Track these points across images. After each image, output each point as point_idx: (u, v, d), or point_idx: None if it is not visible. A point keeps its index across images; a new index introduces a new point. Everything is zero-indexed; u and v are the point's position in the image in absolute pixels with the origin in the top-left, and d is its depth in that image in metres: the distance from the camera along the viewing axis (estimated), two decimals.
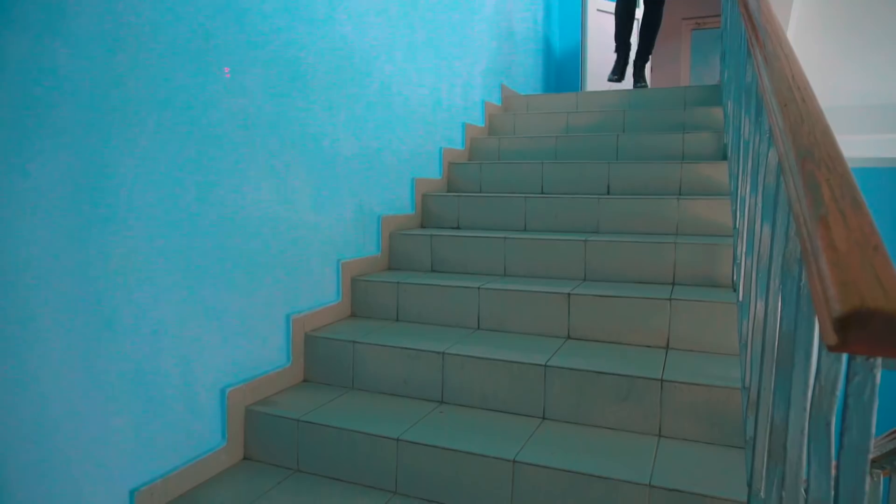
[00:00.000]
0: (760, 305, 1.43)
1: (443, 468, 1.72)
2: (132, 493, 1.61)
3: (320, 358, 2.26)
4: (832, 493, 0.77)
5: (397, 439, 1.78)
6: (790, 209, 1.07)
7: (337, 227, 2.50)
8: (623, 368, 1.87)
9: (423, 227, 3.16)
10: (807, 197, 0.85)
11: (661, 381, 1.79)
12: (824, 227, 0.76)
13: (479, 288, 2.37)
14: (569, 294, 2.23)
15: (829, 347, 0.67)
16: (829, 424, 0.80)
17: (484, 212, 3.03)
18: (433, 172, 3.34)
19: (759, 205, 1.46)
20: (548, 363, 1.93)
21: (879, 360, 0.67)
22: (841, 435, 0.69)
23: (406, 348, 2.12)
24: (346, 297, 2.56)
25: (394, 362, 2.14)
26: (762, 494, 1.30)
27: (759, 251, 1.50)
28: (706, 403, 1.75)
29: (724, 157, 2.94)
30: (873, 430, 0.68)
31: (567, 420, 1.90)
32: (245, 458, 2.00)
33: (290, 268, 2.21)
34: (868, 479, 0.68)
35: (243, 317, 2.00)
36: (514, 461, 1.64)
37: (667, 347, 2.10)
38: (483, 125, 4.02)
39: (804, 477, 0.92)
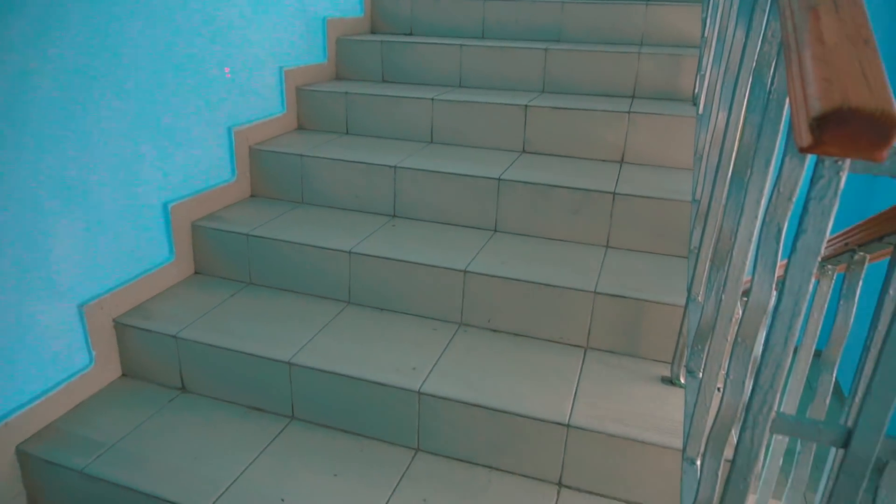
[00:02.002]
0: (722, 116, 1.39)
1: (395, 279, 1.75)
2: (80, 307, 1.59)
3: (268, 172, 2.17)
4: (774, 295, 0.78)
5: (350, 252, 1.77)
6: (771, 6, 0.98)
7: (278, 31, 2.26)
8: (577, 181, 1.86)
9: (373, 32, 2.91)
10: None
11: (614, 194, 1.79)
12: (814, 17, 0.68)
13: (433, 99, 2.24)
14: (526, 106, 2.13)
15: (800, 149, 0.63)
16: (780, 230, 0.79)
17: (440, 16, 2.78)
18: None
19: (735, 6, 1.36)
20: (501, 176, 1.89)
21: (848, 163, 0.65)
22: (795, 237, 0.68)
23: (357, 162, 2.04)
24: (292, 108, 2.41)
25: (345, 176, 2.07)
26: (700, 299, 1.37)
27: (727, 59, 1.42)
28: (656, 216, 1.78)
29: None
30: (828, 233, 0.67)
31: (519, 232, 1.92)
32: (196, 273, 1.99)
33: (231, 75, 2.02)
34: (813, 277, 0.69)
35: (183, 129, 1.86)
36: (465, 271, 1.67)
37: (622, 161, 2.09)
38: None
39: (747, 281, 0.94)
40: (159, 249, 1.85)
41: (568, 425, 1.33)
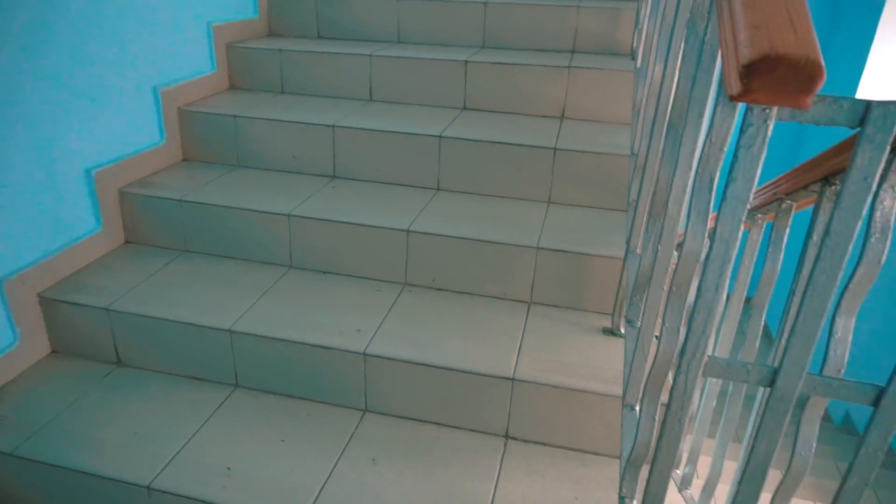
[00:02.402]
0: (658, 69, 1.40)
1: (337, 241, 1.72)
2: (1, 282, 1.50)
3: (199, 135, 2.07)
4: (706, 243, 0.80)
5: (289, 215, 1.73)
6: None
7: None
8: (518, 138, 1.85)
9: None
10: None
11: (555, 149, 1.80)
12: None
13: (370, 55, 2.17)
14: (466, 62, 2.10)
15: (730, 97, 0.64)
16: (713, 180, 0.80)
17: None
18: None
19: None
20: (443, 134, 1.87)
21: (775, 111, 0.65)
22: (725, 186, 0.69)
23: (294, 122, 1.97)
24: (223, 67, 2.29)
25: (281, 137, 2.00)
26: (638, 250, 1.40)
27: (664, 11, 1.42)
28: (596, 171, 1.80)
29: None
30: (756, 181, 0.68)
31: (461, 190, 1.91)
32: (128, 242, 1.90)
33: (151, 30, 1.89)
34: (744, 227, 0.70)
35: (104, 90, 1.74)
36: (408, 231, 1.65)
37: (562, 117, 2.09)
38: None
39: (681, 231, 0.96)
40: (85, 219, 1.75)
41: (513, 379, 1.36)
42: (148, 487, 1.26)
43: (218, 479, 1.27)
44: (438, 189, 1.92)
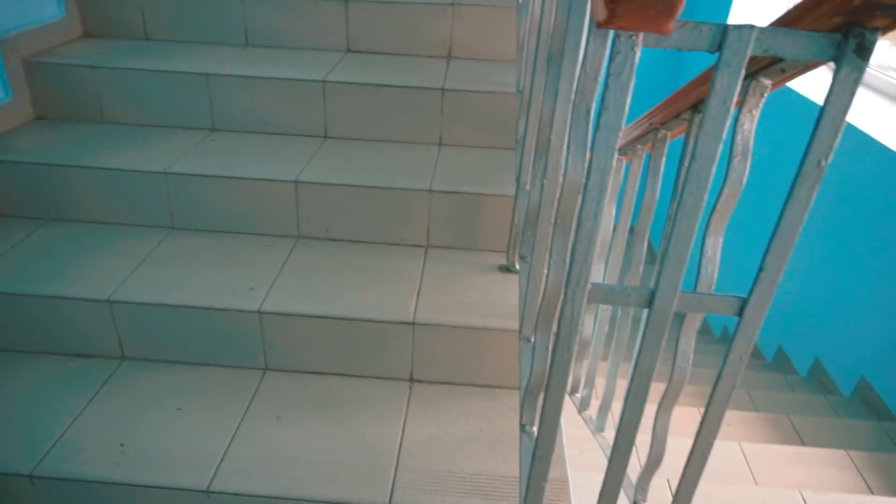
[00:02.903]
0: (538, 2, 1.39)
1: (221, 198, 1.62)
2: None
3: (54, 89, 1.86)
4: (585, 173, 0.82)
5: (165, 173, 1.61)
6: None
7: None
8: (404, 80, 1.81)
9: None
10: None
11: (443, 90, 1.77)
12: None
13: None
14: (347, 1, 2.00)
15: (597, 24, 0.64)
16: (589, 111, 0.81)
17: None
18: None
19: None
20: (327, 78, 1.79)
21: (641, 37, 0.66)
22: (599, 115, 0.70)
23: (165, 71, 1.81)
24: (74, 10, 2.05)
25: (151, 88, 1.83)
26: (528, 187, 1.42)
27: None
28: (485, 110, 1.79)
29: None
30: (627, 109, 0.70)
31: (350, 137, 1.85)
32: None
33: None
34: (626, 159, 0.72)
35: None
36: (297, 182, 1.59)
37: (449, 56, 2.05)
38: None
39: (563, 165, 0.98)
40: None
41: (413, 323, 1.36)
42: (30, 476, 1.17)
43: (110, 457, 1.21)
44: (326, 137, 1.85)
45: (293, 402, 1.35)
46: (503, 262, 1.58)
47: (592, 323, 1.63)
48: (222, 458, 1.21)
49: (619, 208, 1.48)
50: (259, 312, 1.37)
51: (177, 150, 1.71)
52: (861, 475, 1.91)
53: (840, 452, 1.99)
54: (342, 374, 1.43)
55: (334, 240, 1.64)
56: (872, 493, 1.84)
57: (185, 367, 1.44)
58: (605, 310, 1.59)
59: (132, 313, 1.40)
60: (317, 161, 1.69)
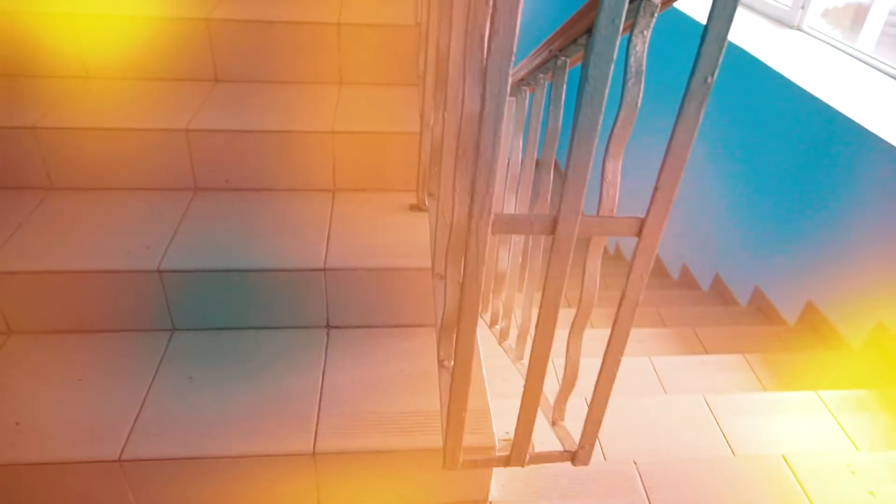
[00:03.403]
0: None
1: (105, 152, 1.49)
2: None
3: None
4: (481, 102, 0.80)
5: (34, 127, 1.45)
6: None
7: None
8: (296, 14, 1.70)
9: None
10: None
11: (339, 24, 1.68)
12: None
13: None
14: None
15: None
16: (482, 36, 0.79)
17: None
18: None
19: None
20: (211, 16, 1.65)
21: None
22: (488, 40, 0.67)
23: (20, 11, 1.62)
24: None
25: (7, 27, 1.64)
26: (431, 122, 1.39)
27: None
28: (385, 45, 1.72)
29: None
30: (517, 31, 0.68)
31: (243, 79, 1.74)
32: None
33: None
34: (514, 98, 0.70)
35: None
36: (188, 130, 1.48)
37: None
38: None
39: (461, 95, 0.95)
40: None
41: (325, 269, 1.33)
42: None
43: (4, 438, 1.13)
44: (217, 81, 1.73)
45: (205, 360, 1.31)
46: (414, 201, 1.56)
47: (507, 255, 1.65)
48: (133, 425, 1.16)
49: (525, 140, 1.48)
50: (159, 272, 1.30)
51: (47, 100, 1.55)
52: (756, 375, 2.09)
53: (738, 357, 2.16)
54: (255, 328, 1.39)
55: (235, 189, 1.56)
56: (766, 389, 2.03)
57: (83, 336, 1.35)
58: (519, 241, 1.61)
59: (12, 284, 1.29)
60: (209, 106, 1.58)
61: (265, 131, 1.50)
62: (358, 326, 1.41)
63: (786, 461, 1.44)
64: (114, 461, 1.11)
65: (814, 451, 1.45)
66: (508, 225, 0.81)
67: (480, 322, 1.77)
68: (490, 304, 1.73)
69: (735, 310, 2.79)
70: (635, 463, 1.41)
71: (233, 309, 1.36)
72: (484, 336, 1.84)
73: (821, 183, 2.37)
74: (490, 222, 0.79)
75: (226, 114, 1.55)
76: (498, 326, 1.72)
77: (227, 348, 1.34)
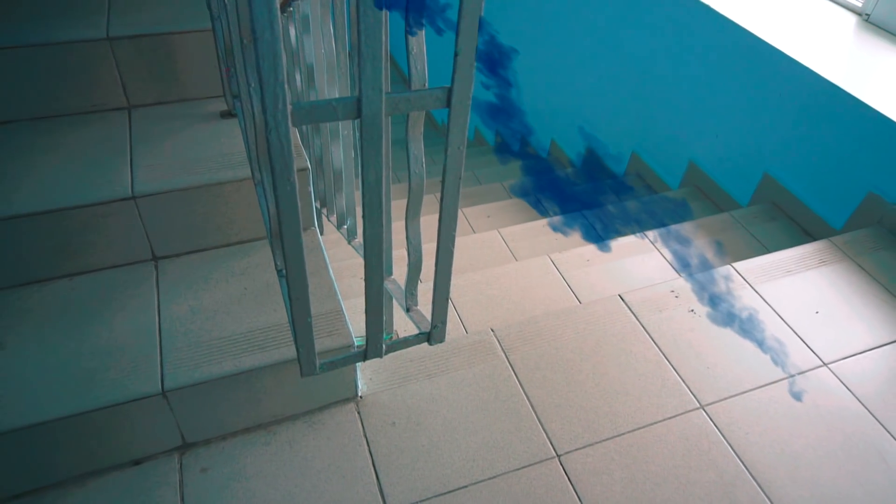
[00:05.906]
0: None
1: None
2: None
3: None
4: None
5: None
6: None
7: None
8: None
9: None
10: None
11: None
12: None
13: None
14: None
15: None
16: None
17: None
18: None
19: None
20: None
21: None
22: None
23: None
24: None
25: None
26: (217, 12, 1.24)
27: None
28: None
29: None
30: None
31: None
32: None
33: None
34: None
35: None
36: None
37: None
38: None
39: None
40: None
41: (133, 197, 1.19)
42: None
43: None
44: None
45: (16, 321, 1.15)
46: (224, 107, 1.42)
47: (340, 150, 1.58)
48: None
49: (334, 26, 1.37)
50: None
51: None
52: (595, 228, 2.25)
53: (574, 216, 2.31)
54: (68, 275, 1.24)
55: (7, 122, 1.33)
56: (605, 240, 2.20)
57: None
58: (349, 136, 1.54)
59: None
60: None
61: (28, 45, 1.26)
62: (188, 252, 1.31)
63: (622, 299, 1.59)
64: None
65: (644, 286, 1.61)
66: (309, 114, 0.74)
67: (328, 223, 1.72)
68: (335, 206, 1.68)
69: (571, 171, 2.95)
70: (493, 330, 1.48)
71: (39, 257, 1.19)
72: (335, 239, 1.80)
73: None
74: (289, 113, 0.72)
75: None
76: (346, 226, 1.68)
77: (39, 303, 1.19)
